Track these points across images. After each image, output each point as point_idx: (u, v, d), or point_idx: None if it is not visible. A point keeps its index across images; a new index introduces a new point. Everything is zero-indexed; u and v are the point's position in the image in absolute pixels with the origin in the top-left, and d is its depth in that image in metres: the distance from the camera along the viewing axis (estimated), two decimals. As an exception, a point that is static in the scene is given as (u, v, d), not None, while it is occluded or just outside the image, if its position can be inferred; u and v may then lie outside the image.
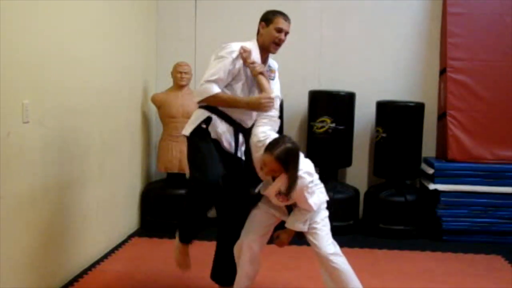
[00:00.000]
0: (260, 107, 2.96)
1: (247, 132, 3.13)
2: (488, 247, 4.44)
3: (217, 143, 3.06)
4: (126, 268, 3.82)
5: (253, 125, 3.08)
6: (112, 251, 4.17)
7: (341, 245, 4.57)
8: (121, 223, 4.47)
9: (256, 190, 3.15)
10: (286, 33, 3.14)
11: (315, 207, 2.94)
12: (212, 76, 2.96)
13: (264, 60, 3.15)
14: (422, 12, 5.06)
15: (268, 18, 3.11)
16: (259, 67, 3.02)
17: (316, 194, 2.96)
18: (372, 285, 3.64)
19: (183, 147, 4.68)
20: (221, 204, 3.26)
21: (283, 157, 2.77)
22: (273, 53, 3.15)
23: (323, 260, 3.01)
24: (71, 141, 3.49)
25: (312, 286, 3.60)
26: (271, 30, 3.08)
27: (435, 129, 5.10)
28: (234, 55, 3.00)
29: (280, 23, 3.09)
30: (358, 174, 5.20)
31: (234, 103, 3.01)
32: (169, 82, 4.81)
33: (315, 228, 3.02)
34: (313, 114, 4.86)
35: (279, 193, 2.91)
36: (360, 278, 3.77)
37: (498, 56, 4.77)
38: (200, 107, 3.10)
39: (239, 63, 3.01)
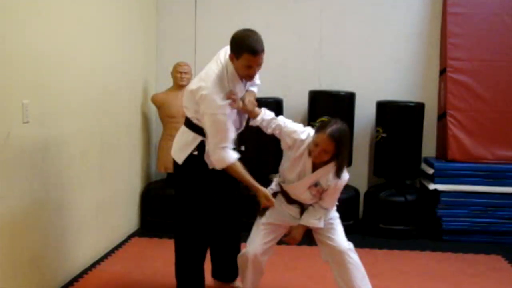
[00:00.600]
0: (262, 202, 2.97)
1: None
2: (488, 247, 4.44)
3: (211, 173, 2.98)
4: (126, 268, 3.82)
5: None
6: (112, 251, 4.17)
7: (341, 245, 4.55)
8: (121, 223, 4.47)
9: (273, 186, 3.10)
10: (259, 65, 2.84)
11: (335, 206, 2.99)
12: (223, 142, 2.84)
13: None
14: (422, 12, 5.06)
15: (237, 51, 2.79)
16: (250, 105, 2.93)
17: None
18: (372, 285, 3.63)
19: (183, 147, 4.71)
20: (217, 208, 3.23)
21: (337, 135, 2.71)
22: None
23: (339, 255, 2.97)
24: (71, 141, 3.49)
25: (312, 286, 3.60)
26: (240, 65, 2.81)
27: (435, 129, 5.10)
28: (227, 110, 2.83)
29: (248, 60, 2.77)
30: (358, 174, 5.19)
31: (243, 181, 2.96)
32: (169, 82, 4.81)
33: (331, 224, 3.01)
34: (313, 114, 4.86)
35: (315, 185, 2.84)
36: (360, 278, 3.78)
37: (498, 56, 4.77)
38: (186, 126, 3.00)
39: (229, 111, 2.85)
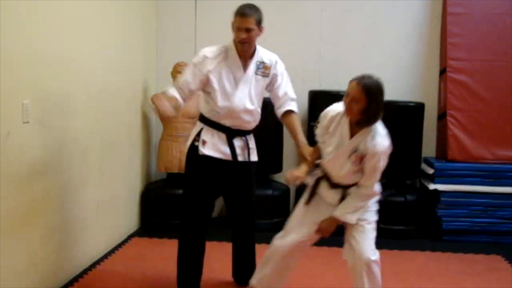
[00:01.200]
0: (159, 109, 2.95)
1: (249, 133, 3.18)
2: (488, 247, 4.44)
3: (208, 161, 3.10)
4: (126, 268, 3.82)
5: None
6: (112, 251, 4.17)
7: (341, 245, 4.58)
8: (121, 223, 4.47)
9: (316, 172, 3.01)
10: (248, 30, 2.96)
11: (377, 189, 2.84)
12: (177, 82, 3.10)
13: (248, 57, 3.08)
14: (422, 12, 5.06)
15: (233, 18, 3.02)
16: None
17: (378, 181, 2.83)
18: (372, 285, 3.64)
19: (183, 147, 4.69)
20: (231, 209, 3.36)
21: (368, 83, 2.68)
22: (243, 51, 3.05)
23: (360, 263, 2.82)
24: (71, 141, 3.48)
25: (312, 286, 3.60)
26: (234, 32, 3.03)
27: (435, 129, 5.10)
28: (196, 60, 3.06)
29: (237, 22, 2.98)
30: (358, 174, 5.19)
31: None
32: (169, 82, 4.80)
33: (363, 226, 2.84)
34: (313, 114, 4.85)
35: (354, 152, 2.75)
36: (360, 278, 3.77)
37: (498, 56, 4.77)
38: (198, 119, 3.22)
39: (205, 68, 3.02)
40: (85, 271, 3.69)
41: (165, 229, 4.66)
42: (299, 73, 5.14)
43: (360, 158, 2.76)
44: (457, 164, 4.70)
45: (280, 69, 3.22)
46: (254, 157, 3.25)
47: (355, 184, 2.86)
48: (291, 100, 3.25)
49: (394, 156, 4.78)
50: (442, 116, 4.94)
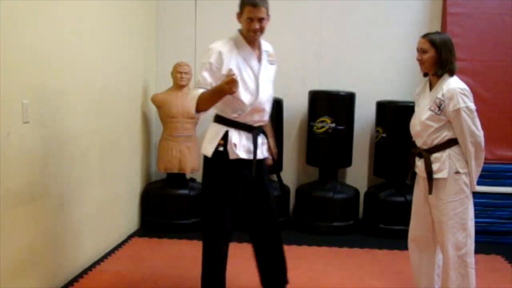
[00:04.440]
0: (226, 90, 2.76)
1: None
2: (488, 247, 4.43)
3: (237, 164, 2.98)
4: (126, 268, 3.82)
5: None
6: (112, 251, 4.17)
7: (341, 245, 4.59)
8: (121, 223, 4.47)
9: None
10: (261, 19, 2.91)
11: (479, 134, 2.86)
12: (197, 84, 2.94)
13: (256, 47, 3.04)
14: (422, 12, 5.06)
15: (240, 6, 2.94)
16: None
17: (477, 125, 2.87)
18: (372, 285, 3.64)
19: (183, 147, 4.71)
20: (252, 209, 3.18)
21: (432, 37, 2.90)
22: (255, 40, 3.00)
23: (444, 259, 2.97)
24: (71, 141, 3.49)
25: (312, 286, 3.60)
26: (243, 21, 2.93)
27: (435, 129, 5.09)
28: (213, 59, 2.91)
29: (249, 12, 2.88)
30: (358, 174, 5.19)
31: (212, 97, 2.86)
32: (169, 82, 4.81)
33: (447, 210, 2.95)
34: (313, 114, 4.86)
35: (434, 101, 2.88)
36: (360, 278, 3.79)
37: (498, 56, 4.76)
38: (214, 121, 3.05)
39: (224, 66, 2.88)
40: (85, 271, 3.69)
41: (165, 229, 4.66)
42: (299, 73, 5.14)
43: (438, 105, 2.86)
44: (457, 164, 4.69)
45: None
46: (266, 153, 3.17)
47: (438, 149, 2.90)
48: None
49: (394, 156, 4.84)
50: (442, 116, 4.93)
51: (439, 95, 2.86)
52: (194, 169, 4.79)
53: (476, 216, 4.62)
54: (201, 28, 5.16)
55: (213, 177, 3.05)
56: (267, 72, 3.07)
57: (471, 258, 2.93)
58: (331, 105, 4.81)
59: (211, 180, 3.07)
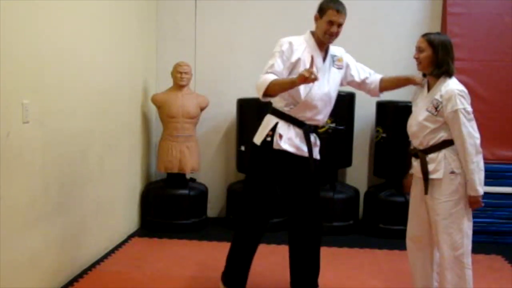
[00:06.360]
0: (303, 80, 2.75)
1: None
2: (488, 247, 4.43)
3: (281, 156, 3.01)
4: (126, 268, 3.82)
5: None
6: (112, 251, 4.17)
7: (341, 245, 4.58)
8: (121, 223, 4.48)
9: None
10: (340, 25, 3.05)
11: (476, 136, 2.87)
12: (269, 68, 2.95)
13: (324, 50, 3.11)
14: (422, 12, 5.06)
15: (322, 9, 3.03)
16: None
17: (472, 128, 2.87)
18: (372, 285, 3.64)
19: (183, 147, 4.71)
20: (296, 208, 3.18)
21: (430, 37, 2.90)
22: (329, 43, 3.12)
23: (441, 259, 2.99)
24: (71, 141, 3.49)
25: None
26: (323, 23, 3.01)
27: (435, 129, 5.09)
28: (284, 47, 2.99)
29: (331, 15, 2.99)
30: (358, 174, 5.19)
31: (285, 85, 2.89)
32: (169, 82, 4.81)
33: (445, 213, 2.96)
34: (313, 114, 4.85)
35: (431, 102, 2.87)
36: (360, 278, 3.79)
37: (498, 56, 4.76)
38: (270, 113, 3.11)
39: (294, 56, 2.98)
40: (85, 271, 3.70)
41: (165, 229, 4.66)
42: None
43: (435, 107, 2.87)
44: (457, 164, 4.69)
45: (349, 57, 3.31)
46: (318, 156, 3.21)
47: (433, 150, 2.90)
48: (373, 72, 3.38)
49: (394, 156, 4.84)
50: (442, 116, 4.93)
51: (437, 96, 2.87)
52: (194, 169, 4.79)
53: (476, 216, 4.63)
54: (201, 28, 5.17)
55: (257, 165, 3.14)
56: (329, 74, 3.11)
57: (468, 259, 2.95)
58: (331, 105, 4.81)
59: (254, 168, 3.16)
